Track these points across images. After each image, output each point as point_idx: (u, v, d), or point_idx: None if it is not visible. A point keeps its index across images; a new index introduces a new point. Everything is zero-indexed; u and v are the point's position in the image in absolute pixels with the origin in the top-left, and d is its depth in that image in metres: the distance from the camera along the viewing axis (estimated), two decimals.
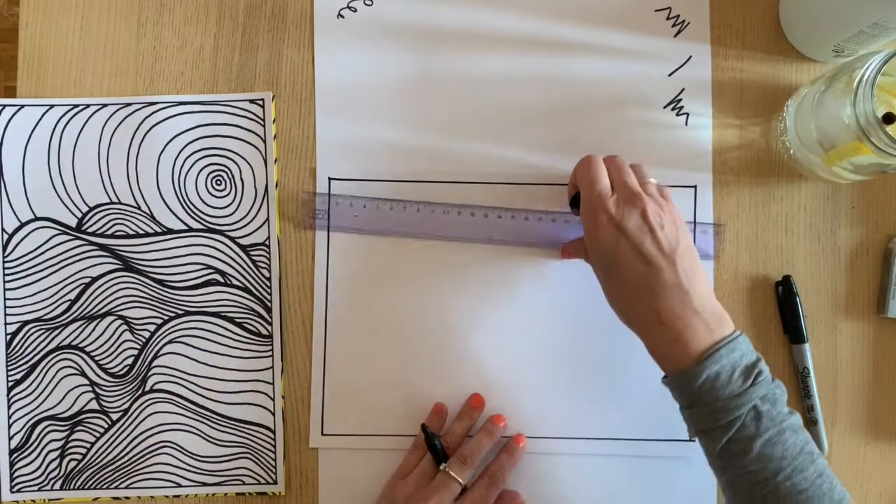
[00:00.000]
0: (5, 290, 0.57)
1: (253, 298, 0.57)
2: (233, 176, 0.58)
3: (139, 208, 0.57)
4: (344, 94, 0.58)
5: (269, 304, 0.57)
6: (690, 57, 0.57)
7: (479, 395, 0.56)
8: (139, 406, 0.57)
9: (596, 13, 0.57)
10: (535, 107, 0.57)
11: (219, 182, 0.58)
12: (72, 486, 0.58)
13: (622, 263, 0.47)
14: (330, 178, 0.57)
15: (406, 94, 0.57)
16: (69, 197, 0.57)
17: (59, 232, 0.57)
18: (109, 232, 0.57)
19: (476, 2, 0.58)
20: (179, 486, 0.57)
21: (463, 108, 0.57)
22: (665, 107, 0.57)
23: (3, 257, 0.58)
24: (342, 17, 0.58)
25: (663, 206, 0.48)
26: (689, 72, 0.57)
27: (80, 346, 0.57)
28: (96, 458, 0.57)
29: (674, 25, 0.57)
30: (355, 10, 0.58)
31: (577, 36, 0.57)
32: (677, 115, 0.57)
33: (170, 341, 0.57)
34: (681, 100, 0.57)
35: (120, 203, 0.57)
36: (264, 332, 0.57)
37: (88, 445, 0.57)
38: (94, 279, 0.57)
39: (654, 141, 0.57)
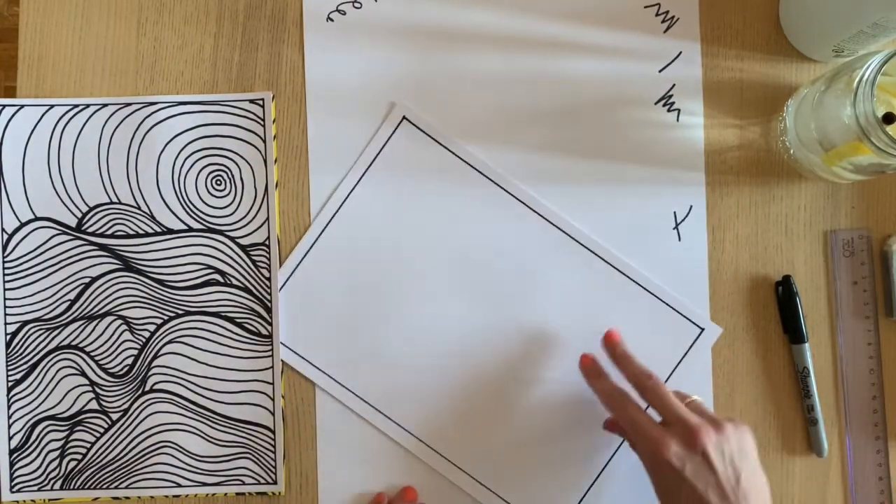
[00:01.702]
0: (5, 290, 0.57)
1: (253, 298, 0.57)
2: (233, 176, 0.58)
3: (139, 208, 0.57)
4: (336, 97, 0.57)
5: (269, 304, 0.57)
6: (680, 53, 0.57)
7: (412, 489, 0.56)
8: (139, 406, 0.57)
9: (585, 10, 0.57)
10: (525, 105, 0.57)
11: (219, 182, 0.58)
12: (72, 486, 0.58)
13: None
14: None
15: (396, 97, 0.57)
16: (69, 197, 0.57)
17: (59, 232, 0.57)
18: (109, 232, 0.57)
19: (465, 1, 0.57)
20: (179, 486, 0.57)
21: (452, 108, 0.57)
22: (656, 103, 0.57)
23: (3, 257, 0.58)
24: (331, 20, 0.58)
25: (721, 433, 0.48)
26: (679, 68, 0.57)
27: (80, 346, 0.57)
28: (96, 458, 0.57)
29: (663, 21, 0.57)
30: (344, 14, 0.58)
31: (566, 33, 0.57)
32: (668, 111, 0.57)
33: (170, 341, 0.57)
34: (671, 95, 0.57)
35: (120, 203, 0.57)
36: (264, 332, 0.57)
37: (88, 445, 0.57)
38: (94, 279, 0.57)
39: (645, 137, 0.57)
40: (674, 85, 0.57)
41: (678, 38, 0.57)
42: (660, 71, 0.57)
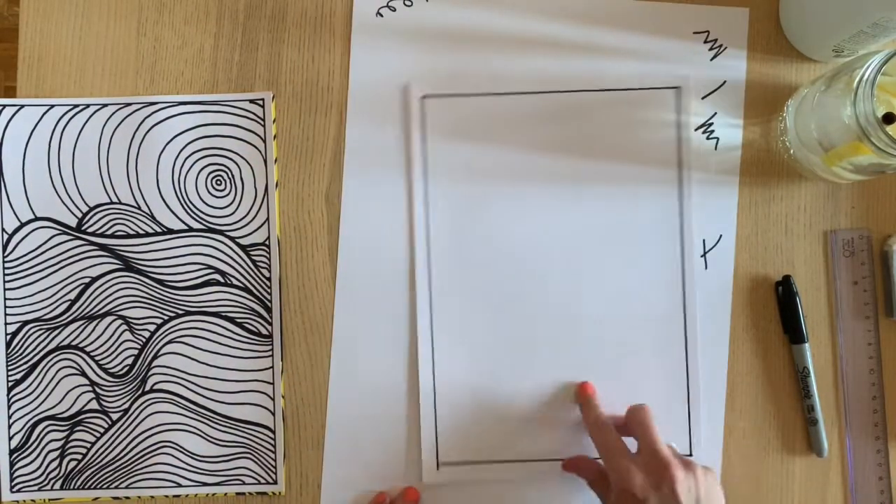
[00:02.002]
0: (5, 290, 0.57)
1: (253, 298, 0.57)
2: (233, 176, 0.58)
3: (139, 208, 0.57)
4: (375, 97, 0.57)
5: (269, 304, 0.57)
6: (725, 82, 0.57)
7: (414, 489, 0.56)
8: (139, 406, 0.57)
9: (632, 32, 0.57)
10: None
11: (219, 182, 0.58)
12: (72, 486, 0.58)
13: None
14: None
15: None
16: (69, 197, 0.57)
17: (59, 232, 0.57)
18: (109, 232, 0.57)
19: (510, 9, 0.57)
20: (179, 486, 0.57)
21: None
22: (696, 129, 0.57)
23: (3, 257, 0.58)
24: (380, 15, 0.57)
25: (689, 474, 0.48)
26: (722, 97, 0.57)
27: (80, 346, 0.57)
28: (96, 458, 0.58)
29: (711, 49, 0.57)
30: (394, 9, 0.57)
31: (611, 55, 0.57)
32: (707, 138, 0.57)
33: (170, 341, 0.57)
34: (712, 124, 0.57)
35: (120, 203, 0.57)
36: (264, 332, 0.57)
37: (88, 445, 0.57)
38: (94, 279, 0.57)
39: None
40: (715, 113, 0.57)
41: (724, 67, 0.57)
42: (703, 98, 0.57)
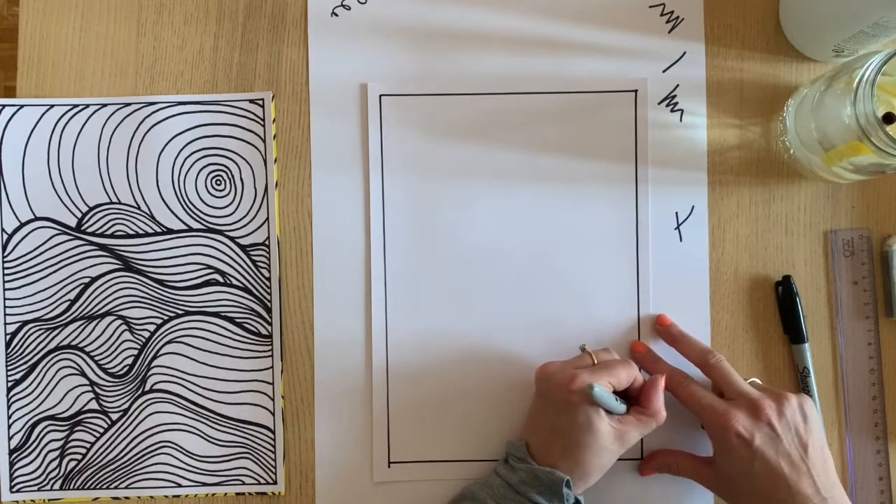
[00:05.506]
0: (5, 290, 0.57)
1: (253, 298, 0.57)
2: (233, 176, 0.58)
3: (139, 208, 0.57)
4: (338, 93, 0.57)
5: (269, 304, 0.57)
6: (685, 53, 0.57)
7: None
8: (139, 406, 0.57)
9: (590, 9, 0.57)
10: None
11: (219, 182, 0.58)
12: (71, 486, 0.58)
13: (755, 479, 0.48)
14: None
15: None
16: (69, 197, 0.57)
17: (58, 232, 0.57)
18: (109, 232, 0.57)
19: (467, 0, 0.57)
20: (179, 486, 0.57)
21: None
22: (660, 103, 0.57)
23: (3, 257, 0.58)
24: (336, 14, 0.58)
25: (783, 405, 0.50)
26: (683, 68, 0.57)
27: (80, 346, 0.57)
28: (96, 458, 0.57)
29: (668, 22, 0.57)
30: (349, 8, 0.58)
31: (571, 33, 0.57)
32: (672, 111, 0.57)
33: (169, 341, 0.57)
34: (675, 96, 0.57)
35: (120, 203, 0.57)
36: (264, 332, 0.57)
37: (88, 445, 0.57)
38: (94, 279, 0.57)
39: (649, 138, 0.57)
40: (678, 85, 0.57)
41: (683, 39, 0.57)
42: (664, 71, 0.57)
